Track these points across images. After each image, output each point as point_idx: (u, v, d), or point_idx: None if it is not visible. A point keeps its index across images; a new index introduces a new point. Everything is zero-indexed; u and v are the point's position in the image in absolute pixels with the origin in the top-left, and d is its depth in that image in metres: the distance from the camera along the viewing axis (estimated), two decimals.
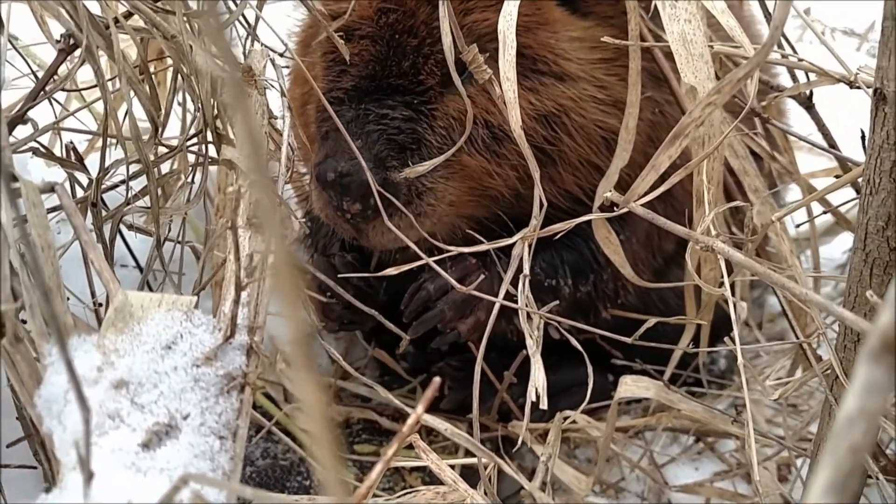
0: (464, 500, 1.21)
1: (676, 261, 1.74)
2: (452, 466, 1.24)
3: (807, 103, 1.58)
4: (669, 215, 1.39)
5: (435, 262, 1.41)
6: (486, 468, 1.27)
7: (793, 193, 2.18)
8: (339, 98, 1.46)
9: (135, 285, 1.60)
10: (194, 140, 1.49)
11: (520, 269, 1.40)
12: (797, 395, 1.79)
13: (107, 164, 1.41)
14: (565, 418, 1.47)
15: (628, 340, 1.41)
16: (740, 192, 1.60)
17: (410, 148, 1.44)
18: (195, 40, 1.31)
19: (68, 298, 1.18)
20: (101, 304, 1.44)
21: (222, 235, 1.41)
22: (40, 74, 1.36)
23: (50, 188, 1.08)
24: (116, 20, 1.30)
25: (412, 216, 1.43)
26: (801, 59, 1.47)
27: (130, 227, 1.59)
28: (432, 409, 1.45)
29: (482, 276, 1.48)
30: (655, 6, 1.45)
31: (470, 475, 1.40)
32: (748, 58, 1.38)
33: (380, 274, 1.45)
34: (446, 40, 1.38)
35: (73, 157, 1.43)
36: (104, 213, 1.43)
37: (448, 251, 1.41)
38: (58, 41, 1.31)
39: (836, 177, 1.46)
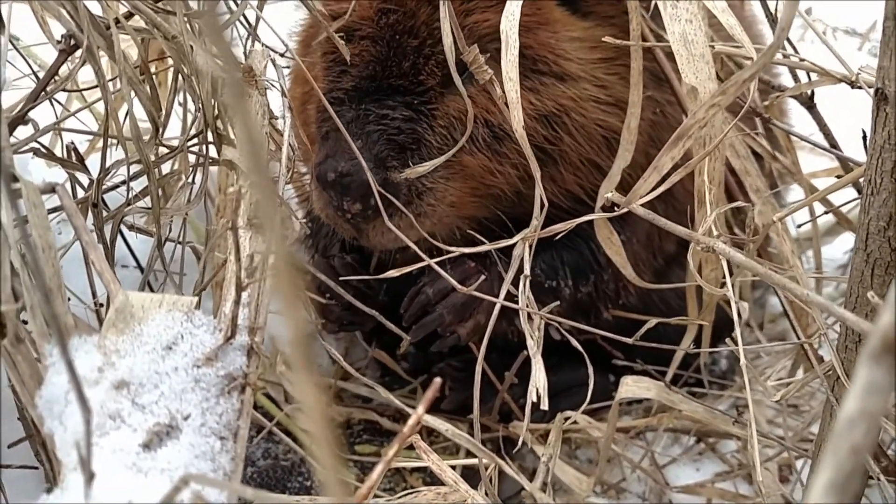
0: (465, 500, 1.21)
1: (678, 261, 1.74)
2: (453, 467, 1.24)
3: (808, 103, 1.58)
4: (670, 215, 1.39)
5: (435, 263, 1.41)
6: (486, 469, 1.26)
7: (794, 193, 2.18)
8: (340, 98, 1.46)
9: (135, 286, 1.60)
10: (195, 140, 1.49)
11: (520, 270, 1.40)
12: (798, 396, 1.79)
13: (107, 164, 1.41)
14: (566, 419, 1.47)
15: (629, 341, 1.41)
16: (741, 193, 1.60)
17: (410, 148, 1.44)
18: (196, 41, 1.31)
19: (69, 299, 1.18)
20: (101, 305, 1.44)
21: (223, 236, 1.41)
22: (41, 75, 1.37)
23: (51, 189, 1.08)
24: (117, 21, 1.30)
25: (412, 216, 1.43)
26: (802, 59, 1.46)
27: (131, 227, 1.59)
28: (433, 409, 1.45)
29: (482, 279, 1.48)
30: (656, 6, 1.45)
31: (471, 476, 1.40)
32: (749, 58, 1.38)
33: (380, 276, 1.45)
34: (447, 41, 1.38)
35: (73, 158, 1.43)
36: (105, 213, 1.43)
37: (448, 252, 1.41)
38: (59, 42, 1.31)
39: (838, 177, 1.46)
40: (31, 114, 1.32)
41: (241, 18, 1.41)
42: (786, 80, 1.87)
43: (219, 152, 1.44)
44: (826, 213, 1.76)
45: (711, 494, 1.63)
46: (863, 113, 1.21)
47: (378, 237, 1.46)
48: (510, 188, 1.52)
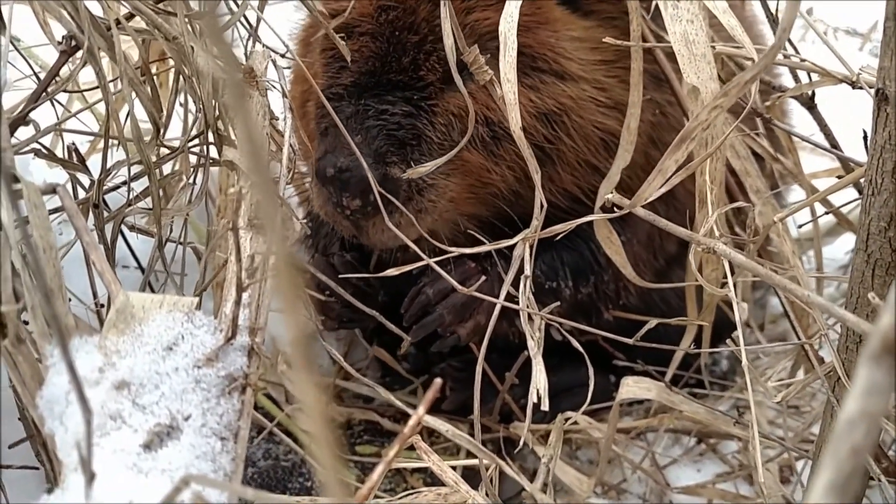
0: (465, 501, 1.21)
1: (678, 261, 1.74)
2: (454, 468, 1.24)
3: (809, 103, 1.58)
4: (671, 216, 1.39)
5: (435, 264, 1.41)
6: (487, 469, 1.27)
7: (794, 194, 2.18)
8: (339, 94, 1.46)
9: (136, 286, 1.60)
10: (196, 141, 1.49)
11: (521, 271, 1.40)
12: (799, 397, 1.79)
13: (108, 165, 1.41)
14: (567, 420, 1.47)
15: (630, 341, 1.41)
16: (742, 193, 1.60)
17: (410, 143, 1.44)
18: (197, 41, 1.31)
19: (70, 299, 1.18)
20: (102, 306, 1.45)
21: (224, 236, 1.41)
22: (42, 76, 1.37)
23: (52, 189, 1.08)
24: (118, 21, 1.30)
25: (413, 213, 1.43)
26: (803, 60, 1.46)
27: (132, 228, 1.59)
28: (434, 409, 1.45)
29: (482, 280, 1.48)
30: (656, 6, 1.45)
31: (471, 476, 1.40)
32: (750, 59, 1.38)
33: (380, 275, 1.45)
34: (448, 41, 1.38)
35: (74, 159, 1.43)
36: (106, 214, 1.43)
37: (448, 252, 1.41)
38: (60, 43, 1.32)
39: (839, 177, 1.46)
40: (32, 114, 1.33)
41: (242, 19, 1.41)
42: (786, 80, 1.86)
43: (220, 153, 1.44)
44: (827, 213, 1.76)
45: (712, 495, 1.63)
46: (864, 113, 1.21)
47: (378, 235, 1.46)
48: (507, 187, 1.52)
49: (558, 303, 1.50)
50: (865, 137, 1.30)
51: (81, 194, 1.44)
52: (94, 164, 1.48)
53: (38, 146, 1.35)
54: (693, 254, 1.37)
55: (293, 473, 1.66)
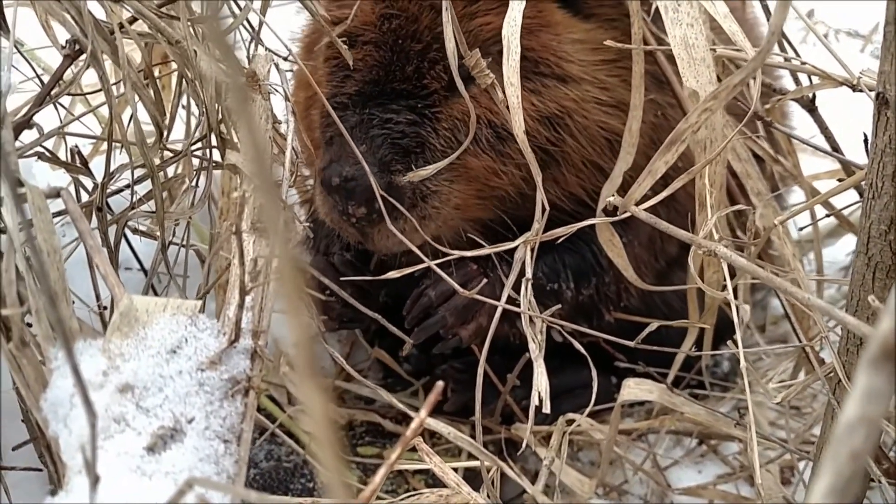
0: (467, 502, 1.21)
1: (679, 263, 1.74)
2: (456, 469, 1.25)
3: (810, 106, 1.58)
4: (672, 218, 1.39)
5: (437, 266, 1.41)
6: (489, 471, 1.27)
7: (795, 195, 2.18)
8: (343, 103, 1.47)
9: (139, 288, 1.61)
10: (199, 144, 1.49)
11: (522, 273, 1.40)
12: (800, 398, 1.79)
13: (112, 168, 1.41)
14: (569, 422, 1.47)
15: (631, 344, 1.41)
16: (743, 195, 1.60)
17: (415, 152, 1.45)
18: (199, 45, 1.32)
19: (73, 302, 1.18)
20: (105, 308, 1.45)
21: (226, 239, 1.41)
22: (45, 79, 1.37)
23: (55, 193, 1.08)
24: (121, 25, 1.31)
25: (417, 220, 1.44)
26: (803, 63, 1.47)
27: (135, 230, 1.59)
28: (435, 411, 1.46)
29: (484, 282, 1.49)
30: (657, 8, 1.45)
31: (473, 478, 1.40)
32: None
33: (381, 277, 1.45)
34: (449, 46, 1.38)
35: (78, 162, 1.44)
36: (109, 217, 1.43)
37: (450, 255, 1.42)
38: (63, 47, 1.32)
39: (839, 180, 1.46)
40: (36, 118, 1.33)
41: (244, 23, 1.42)
42: (787, 82, 1.87)
43: (222, 156, 1.45)
44: (828, 216, 1.76)
45: (713, 496, 1.64)
46: (865, 115, 1.21)
47: (383, 241, 1.47)
48: (514, 189, 1.52)
49: (560, 305, 1.50)
50: (866, 140, 1.30)
51: (85, 197, 1.45)
52: (97, 167, 1.48)
53: (41, 149, 1.36)
54: (694, 256, 1.37)
55: (295, 475, 1.67)
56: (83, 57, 1.29)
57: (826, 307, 1.06)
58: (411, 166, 1.44)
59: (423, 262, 1.41)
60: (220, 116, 1.40)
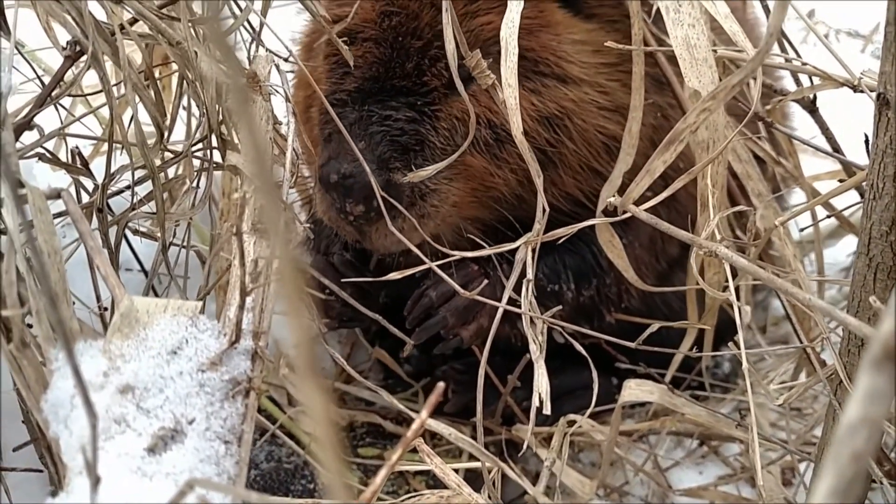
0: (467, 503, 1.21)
1: (680, 264, 1.74)
2: (456, 470, 1.24)
3: (810, 107, 1.58)
4: (673, 219, 1.39)
5: (437, 266, 1.41)
6: (489, 472, 1.27)
7: (796, 196, 2.18)
8: (343, 100, 1.46)
9: (140, 289, 1.61)
10: (199, 145, 1.49)
11: (523, 274, 1.40)
12: (801, 399, 1.79)
13: (112, 169, 1.41)
14: (570, 423, 1.47)
15: (632, 345, 1.41)
16: (744, 196, 1.60)
17: (414, 149, 1.44)
18: (200, 46, 1.32)
19: (74, 303, 1.18)
20: (106, 309, 1.45)
21: (227, 240, 1.41)
22: (46, 80, 1.37)
23: (56, 194, 1.08)
24: (122, 26, 1.31)
25: (416, 218, 1.43)
26: (804, 63, 1.46)
27: (136, 231, 1.59)
28: (436, 412, 1.46)
29: (484, 283, 1.48)
30: (658, 9, 1.45)
31: (474, 479, 1.40)
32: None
33: (382, 279, 1.45)
34: (450, 46, 1.38)
35: (78, 163, 1.44)
36: (110, 218, 1.43)
37: (450, 255, 1.42)
38: (64, 48, 1.32)
39: (840, 181, 1.46)
40: (37, 119, 1.33)
41: (245, 24, 1.42)
42: (788, 83, 1.87)
43: (223, 157, 1.45)
44: (829, 216, 1.76)
45: (714, 498, 1.63)
46: (866, 116, 1.21)
47: (381, 240, 1.46)
48: (510, 190, 1.52)
49: (560, 306, 1.50)
50: (867, 141, 1.30)
51: (85, 198, 1.45)
52: (97, 168, 1.48)
53: (42, 150, 1.36)
54: (694, 257, 1.37)
55: (296, 475, 1.67)
56: (84, 58, 1.29)
57: (827, 308, 1.06)
58: (410, 164, 1.43)
59: (422, 262, 1.41)
60: (220, 117, 1.40)
